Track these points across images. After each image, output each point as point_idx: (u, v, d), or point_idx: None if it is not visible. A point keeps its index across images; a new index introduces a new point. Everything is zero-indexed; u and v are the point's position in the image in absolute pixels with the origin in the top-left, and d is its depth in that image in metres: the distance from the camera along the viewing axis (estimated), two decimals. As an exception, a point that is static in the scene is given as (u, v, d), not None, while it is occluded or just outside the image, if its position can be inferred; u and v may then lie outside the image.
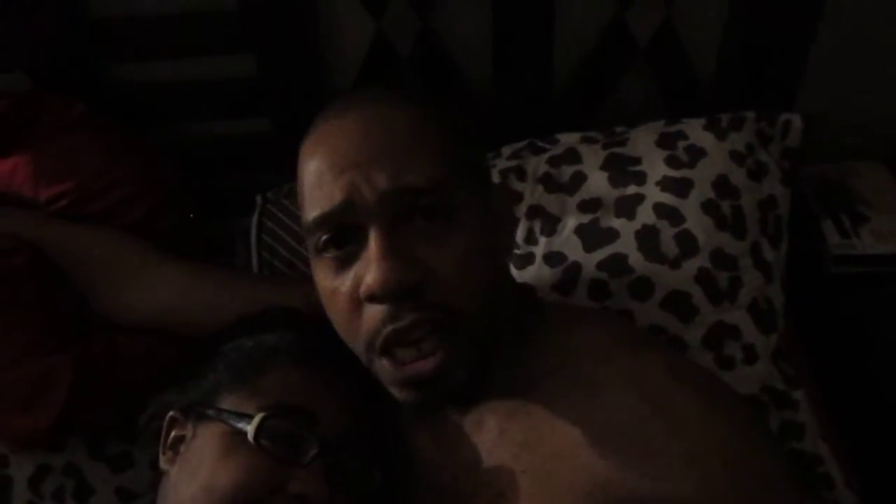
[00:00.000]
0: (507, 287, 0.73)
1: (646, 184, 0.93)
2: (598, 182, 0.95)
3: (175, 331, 0.88)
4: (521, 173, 0.99)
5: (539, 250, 0.93)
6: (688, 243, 0.88)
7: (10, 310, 0.85)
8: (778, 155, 0.97)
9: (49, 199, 0.93)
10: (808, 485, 0.71)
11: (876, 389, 0.97)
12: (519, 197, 0.97)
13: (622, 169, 0.95)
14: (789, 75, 1.07)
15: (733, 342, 0.87)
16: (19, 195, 0.93)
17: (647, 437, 0.58)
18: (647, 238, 0.89)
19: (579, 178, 0.96)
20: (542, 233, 0.94)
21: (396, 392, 0.65)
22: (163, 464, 0.72)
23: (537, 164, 0.99)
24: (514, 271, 0.91)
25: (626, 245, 0.89)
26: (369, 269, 0.60)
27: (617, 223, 0.91)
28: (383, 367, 0.64)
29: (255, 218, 1.06)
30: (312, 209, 0.64)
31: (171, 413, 0.72)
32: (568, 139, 1.03)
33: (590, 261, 0.90)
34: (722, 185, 0.92)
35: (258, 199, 1.08)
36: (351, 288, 0.63)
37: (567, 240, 0.92)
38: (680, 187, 0.91)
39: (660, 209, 0.90)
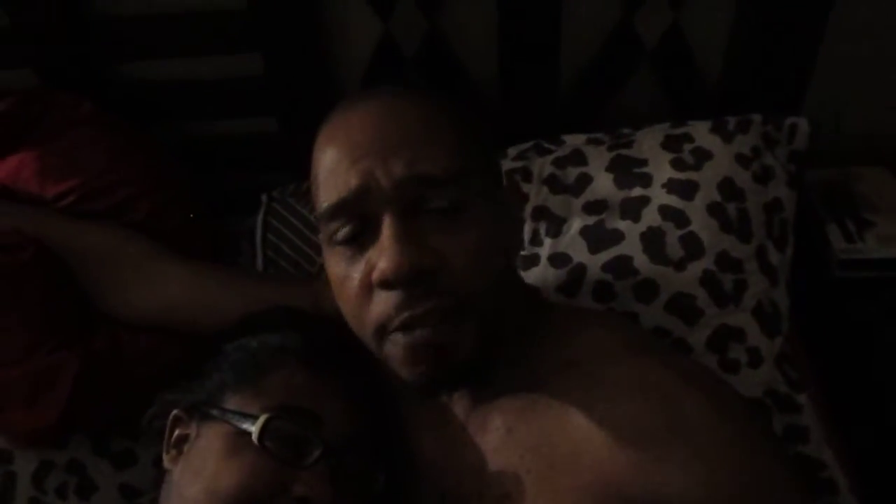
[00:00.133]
0: (515, 286, 0.73)
1: (651, 186, 0.93)
2: (603, 184, 0.95)
3: (179, 329, 0.88)
4: (526, 174, 0.99)
5: (544, 251, 0.93)
6: (693, 246, 0.88)
7: (15, 306, 0.85)
8: (784, 158, 0.97)
9: (55, 196, 0.93)
10: (810, 489, 0.70)
11: (880, 393, 0.97)
12: (525, 198, 0.97)
13: (628, 171, 0.95)
14: (796, 79, 1.07)
15: (738, 345, 0.87)
16: (26, 191, 0.93)
17: (653, 439, 0.58)
18: (652, 240, 0.89)
19: (585, 180, 0.96)
20: (547, 234, 0.94)
21: (406, 371, 0.64)
22: (166, 462, 0.72)
23: (543, 166, 0.99)
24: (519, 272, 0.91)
25: (632, 247, 0.89)
26: (383, 255, 0.61)
27: (622, 225, 0.91)
28: (395, 341, 0.63)
29: (260, 217, 1.06)
30: (328, 196, 0.64)
31: (175, 412, 0.72)
32: (574, 141, 1.03)
33: (595, 262, 0.90)
34: (728, 187, 0.92)
35: (264, 198, 1.08)
36: (363, 274, 0.63)
37: (572, 241, 0.92)
38: (685, 189, 0.91)
39: (665, 211, 0.90)
